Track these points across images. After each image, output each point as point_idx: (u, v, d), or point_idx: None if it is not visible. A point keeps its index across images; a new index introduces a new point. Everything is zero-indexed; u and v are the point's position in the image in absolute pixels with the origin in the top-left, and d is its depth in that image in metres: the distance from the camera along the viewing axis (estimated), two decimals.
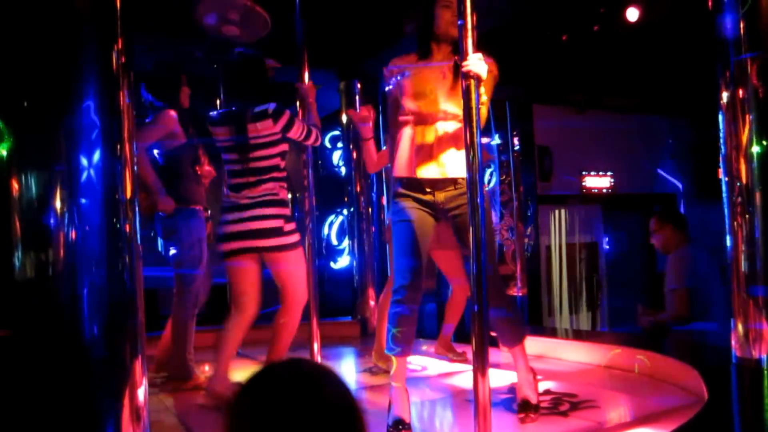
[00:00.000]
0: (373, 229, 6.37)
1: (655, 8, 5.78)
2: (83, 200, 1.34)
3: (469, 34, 2.45)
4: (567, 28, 6.63)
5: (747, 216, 2.37)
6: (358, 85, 6.32)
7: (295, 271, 3.42)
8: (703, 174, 8.93)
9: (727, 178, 2.50)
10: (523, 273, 8.04)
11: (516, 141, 8.25)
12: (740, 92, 2.49)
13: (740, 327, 2.39)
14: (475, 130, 2.41)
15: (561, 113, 8.27)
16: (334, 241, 8.04)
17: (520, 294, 7.75)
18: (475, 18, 2.47)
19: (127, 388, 1.43)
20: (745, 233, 2.37)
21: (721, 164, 2.55)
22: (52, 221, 1.30)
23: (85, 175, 1.34)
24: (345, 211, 7.84)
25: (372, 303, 6.18)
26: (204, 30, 3.90)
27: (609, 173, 8.65)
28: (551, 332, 4.97)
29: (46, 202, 1.31)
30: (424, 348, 4.75)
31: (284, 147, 3.42)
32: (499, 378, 3.35)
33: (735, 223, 2.43)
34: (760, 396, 2.21)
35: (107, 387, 1.41)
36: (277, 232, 3.30)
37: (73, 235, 1.31)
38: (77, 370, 1.36)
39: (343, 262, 7.90)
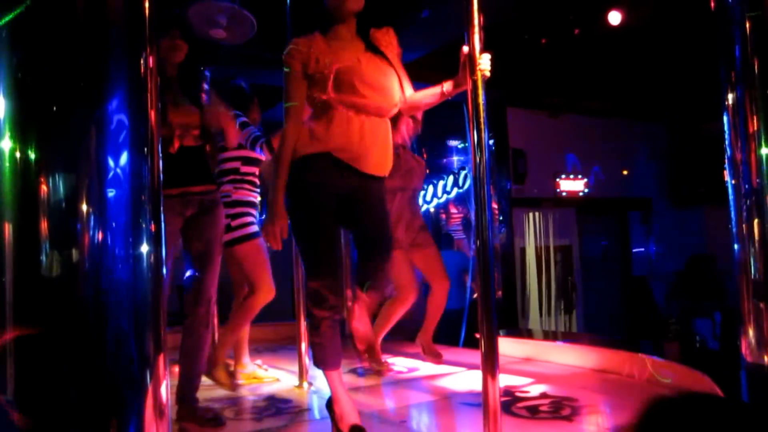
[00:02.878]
0: None
1: (637, 12, 5.83)
2: (111, 200, 1.35)
3: (476, 31, 2.42)
4: (544, 32, 6.66)
5: (756, 220, 2.35)
6: None
7: (247, 264, 3.68)
8: (677, 179, 9.08)
9: (733, 182, 2.48)
10: (497, 275, 8.07)
11: (490, 143, 8.27)
12: (747, 92, 2.47)
13: (750, 333, 2.38)
14: (482, 126, 2.38)
15: (535, 116, 8.31)
16: None
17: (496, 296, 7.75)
18: (482, 18, 2.45)
19: (151, 384, 1.44)
20: (756, 238, 2.35)
21: (726, 167, 2.53)
22: (80, 220, 1.32)
23: (112, 175, 1.36)
24: None
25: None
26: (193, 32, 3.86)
27: (583, 177, 8.73)
28: (538, 335, 4.96)
29: (74, 202, 1.32)
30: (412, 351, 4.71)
31: (242, 153, 3.67)
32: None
33: (743, 227, 2.41)
34: None
35: (132, 383, 1.42)
36: (226, 229, 3.50)
37: (100, 234, 1.33)
38: (103, 365, 1.37)
39: None
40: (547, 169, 8.41)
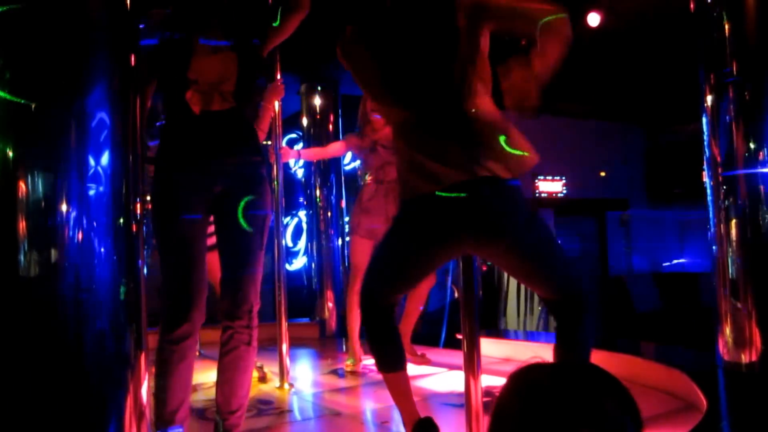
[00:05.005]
0: (332, 231, 6.34)
1: (615, 16, 5.89)
2: (91, 199, 1.34)
3: None
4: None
5: (734, 220, 2.39)
6: (319, 88, 6.30)
7: (213, 270, 3.56)
8: (653, 180, 9.20)
9: (712, 183, 2.51)
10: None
11: None
12: (725, 94, 2.51)
13: (727, 332, 2.41)
14: None
15: (514, 118, 8.35)
16: (289, 243, 7.94)
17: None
18: None
19: (132, 384, 1.42)
20: (733, 238, 2.38)
21: (705, 168, 2.56)
22: (59, 219, 1.30)
23: (92, 173, 1.34)
24: (301, 214, 7.75)
25: (330, 305, 6.17)
26: None
27: (561, 178, 8.80)
28: (517, 335, 4.99)
29: (54, 200, 1.30)
30: None
31: None
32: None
33: (721, 227, 2.45)
34: (760, 399, 2.24)
35: (112, 383, 1.39)
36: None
37: (80, 233, 1.31)
38: (82, 365, 1.35)
39: (297, 264, 7.80)
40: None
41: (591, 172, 9.05)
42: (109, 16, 1.43)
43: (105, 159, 1.36)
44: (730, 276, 2.42)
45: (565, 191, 8.80)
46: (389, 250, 2.24)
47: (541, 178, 8.63)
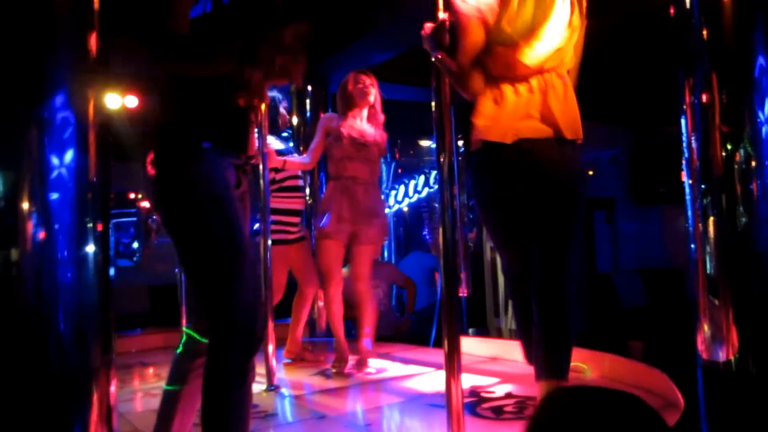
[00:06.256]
0: None
1: (600, 17, 5.90)
2: (54, 199, 1.31)
3: None
4: None
5: (712, 218, 2.41)
6: (309, 87, 6.30)
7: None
8: (640, 180, 9.27)
9: (690, 182, 2.54)
10: (465, 274, 8.07)
11: (460, 144, 8.30)
12: (704, 97, 2.53)
13: (705, 329, 2.43)
14: (447, 126, 2.41)
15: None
16: None
17: (464, 295, 7.77)
18: None
19: (97, 393, 1.38)
20: (711, 236, 2.41)
21: (684, 168, 2.59)
22: (20, 219, 1.27)
23: (56, 173, 1.31)
24: None
25: (320, 304, 6.14)
26: None
27: None
28: (503, 334, 5.00)
29: (14, 200, 1.27)
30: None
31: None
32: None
33: (699, 225, 2.47)
34: (741, 399, 2.25)
35: (76, 392, 1.36)
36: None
37: (42, 233, 1.28)
38: (44, 373, 1.31)
39: None
40: None
41: None
42: (75, 13, 1.40)
43: (69, 158, 1.33)
44: (708, 274, 2.44)
45: None
46: None
47: None
